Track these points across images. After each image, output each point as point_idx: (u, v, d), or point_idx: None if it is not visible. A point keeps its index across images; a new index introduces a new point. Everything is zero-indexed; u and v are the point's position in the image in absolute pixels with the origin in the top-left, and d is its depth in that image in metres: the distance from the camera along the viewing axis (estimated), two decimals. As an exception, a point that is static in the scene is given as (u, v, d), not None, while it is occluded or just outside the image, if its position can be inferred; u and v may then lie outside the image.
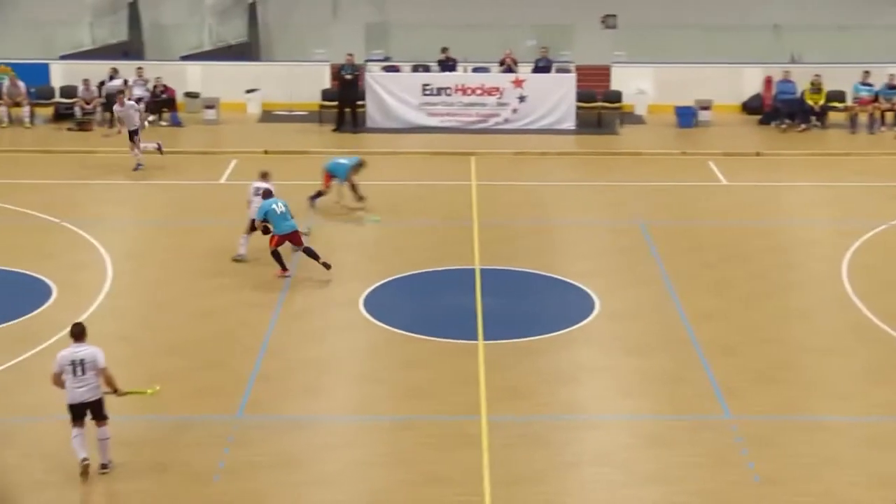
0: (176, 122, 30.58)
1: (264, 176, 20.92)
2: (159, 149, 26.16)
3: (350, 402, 15.75)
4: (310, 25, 34.84)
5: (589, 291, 19.31)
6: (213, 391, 15.78)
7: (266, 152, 28.06)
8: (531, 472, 13.74)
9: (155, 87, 30.76)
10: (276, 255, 19.71)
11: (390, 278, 19.93)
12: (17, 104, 30.33)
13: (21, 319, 17.95)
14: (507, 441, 14.41)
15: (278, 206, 19.66)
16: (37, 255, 20.64)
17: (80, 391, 13.44)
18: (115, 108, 26.51)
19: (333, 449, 14.33)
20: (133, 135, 25.94)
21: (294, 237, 19.80)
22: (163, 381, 15.84)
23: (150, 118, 30.55)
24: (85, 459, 13.60)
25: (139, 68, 31.13)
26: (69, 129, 29.92)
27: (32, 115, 30.40)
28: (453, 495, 13.26)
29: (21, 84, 30.51)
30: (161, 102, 30.80)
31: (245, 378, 16.12)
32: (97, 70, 31.22)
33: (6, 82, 30.48)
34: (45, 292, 18.98)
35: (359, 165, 23.12)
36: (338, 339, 17.56)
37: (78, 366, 13.41)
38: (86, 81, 30.56)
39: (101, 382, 13.58)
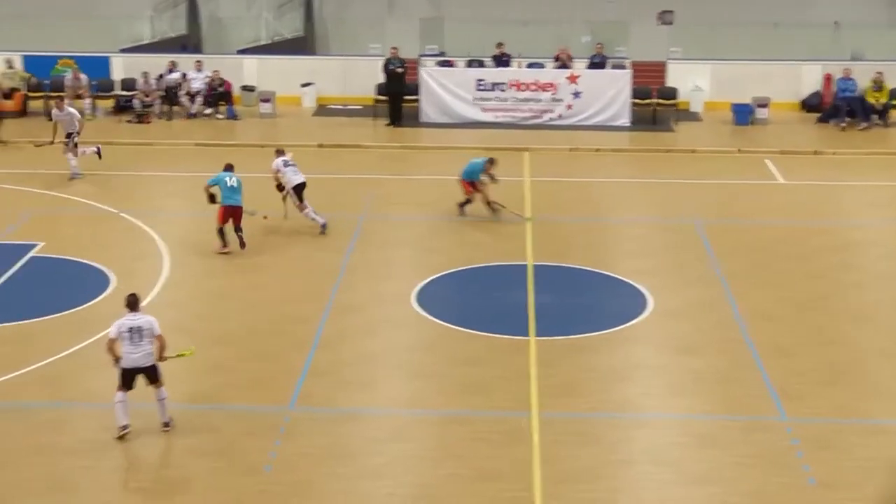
0: (232, 116, 30.82)
1: (280, 152, 21.99)
2: (98, 153, 25.16)
3: (401, 396, 15.79)
4: (365, 20, 34.96)
5: (642, 289, 19.22)
6: (266, 382, 15.89)
7: (320, 146, 28.22)
8: (582, 469, 13.70)
9: (212, 80, 31.00)
10: (221, 233, 20.48)
11: (442, 273, 19.95)
12: (79, 96, 30.69)
13: (80, 308, 18.17)
14: (558, 438, 14.38)
15: (231, 180, 20.51)
16: (96, 245, 20.90)
17: (135, 357, 14.11)
18: (54, 112, 25.60)
19: (384, 442, 14.37)
20: (70, 138, 25.03)
21: (236, 214, 20.45)
22: (216, 372, 16.14)
23: (207, 111, 30.82)
24: (125, 427, 14.17)
25: (197, 61, 31.38)
26: (128, 122, 30.25)
27: (94, 107, 30.76)
28: (503, 491, 13.26)
29: (83, 77, 30.89)
30: (218, 96, 31.04)
31: (297, 370, 16.23)
32: (156, 63, 31.52)
33: (69, 75, 30.87)
34: (103, 282, 19.19)
35: (489, 163, 22.69)
36: (389, 334, 17.62)
37: (136, 333, 14.10)
38: (145, 74, 30.88)
39: (155, 350, 14.20)
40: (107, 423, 14.42)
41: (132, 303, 14.38)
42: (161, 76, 31.15)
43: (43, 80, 31.26)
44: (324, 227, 21.61)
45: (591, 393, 15.69)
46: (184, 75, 31.08)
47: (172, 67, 31.28)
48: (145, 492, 13.37)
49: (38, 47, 32.07)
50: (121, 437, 14.18)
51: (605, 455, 14.06)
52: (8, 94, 30.47)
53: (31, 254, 20.40)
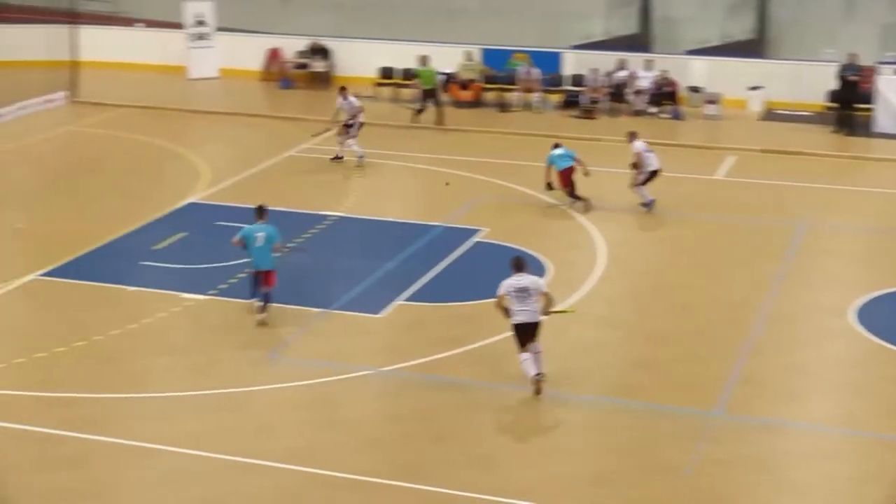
0: (676, 116, 30.80)
1: (632, 135, 23.12)
2: (361, 159, 25.78)
3: (831, 413, 15.22)
4: (821, 24, 33.81)
5: None
6: (692, 385, 15.83)
7: (765, 151, 27.62)
8: None
9: (660, 79, 31.13)
10: (572, 195, 22.84)
11: (885, 290, 18.99)
12: (530, 90, 31.82)
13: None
14: None
15: (559, 151, 22.97)
16: (535, 234, 21.59)
17: (526, 313, 15.22)
18: (338, 100, 26.21)
19: (811, 458, 13.94)
20: (348, 127, 25.77)
21: (566, 174, 22.77)
22: (644, 370, 16.27)
23: (652, 110, 30.97)
24: (538, 374, 15.31)
25: (647, 60, 31.61)
26: (575, 117, 30.98)
27: (543, 101, 31.78)
28: (937, 527, 12.51)
29: (535, 71, 31.98)
30: (663, 95, 31.13)
31: (724, 375, 16.04)
32: (605, 61, 32.04)
33: (522, 69, 32.06)
34: (539, 270, 19.77)
35: None
36: (825, 347, 17.02)
37: (523, 292, 15.25)
38: (594, 71, 31.49)
39: (541, 306, 15.29)
40: (527, 407, 14.97)
41: (518, 265, 15.58)
42: (610, 73, 31.66)
43: (498, 72, 32.62)
44: (650, 203, 22.67)
45: None
46: (632, 73, 31.42)
47: (621, 65, 31.70)
48: (559, 480, 13.66)
49: (495, 41, 33.48)
50: (535, 386, 15.23)
51: None
52: (465, 85, 32.08)
53: (475, 238, 21.40)
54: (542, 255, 20.41)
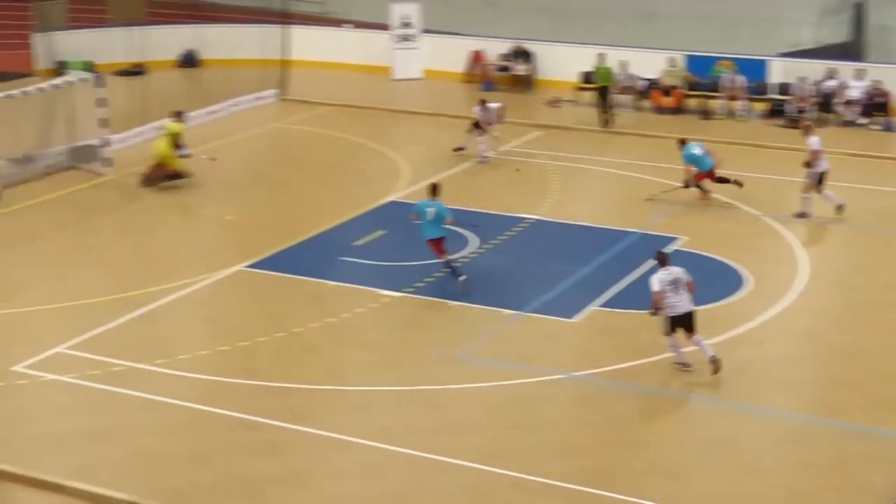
0: (888, 128, 29.73)
1: (808, 129, 23.00)
2: (483, 159, 26.62)
3: None
4: None
5: None
6: (894, 405, 15.27)
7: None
8: None
9: (870, 89, 30.10)
10: (698, 185, 23.39)
11: None
12: (734, 98, 31.22)
13: (714, 305, 18.44)
14: None
15: (697, 150, 23.14)
16: (735, 245, 21.18)
17: (682, 304, 15.90)
18: (476, 109, 27.00)
19: None
20: (480, 128, 26.60)
21: (710, 175, 23.23)
22: (845, 388, 15.85)
23: (862, 121, 29.95)
24: (681, 362, 16.01)
25: (859, 69, 30.62)
26: (780, 126, 30.25)
27: (747, 109, 31.12)
28: None
29: (740, 79, 31.35)
30: (874, 106, 30.08)
31: (930, 398, 15.45)
32: (814, 69, 31.18)
33: (726, 76, 31.49)
34: (737, 282, 19.43)
35: None
36: None
37: (675, 284, 15.90)
38: (801, 80, 30.68)
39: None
40: (719, 418, 14.66)
41: (663, 259, 16.22)
42: (818, 82, 30.78)
43: (701, 79, 32.11)
44: (840, 207, 22.46)
45: None
46: (842, 83, 30.47)
47: (831, 74, 30.80)
48: (750, 495, 13.39)
49: (699, 47, 32.97)
50: (714, 368, 15.76)
51: None
52: (667, 91, 31.71)
53: (674, 246, 21.10)
54: (742, 266, 20.04)
